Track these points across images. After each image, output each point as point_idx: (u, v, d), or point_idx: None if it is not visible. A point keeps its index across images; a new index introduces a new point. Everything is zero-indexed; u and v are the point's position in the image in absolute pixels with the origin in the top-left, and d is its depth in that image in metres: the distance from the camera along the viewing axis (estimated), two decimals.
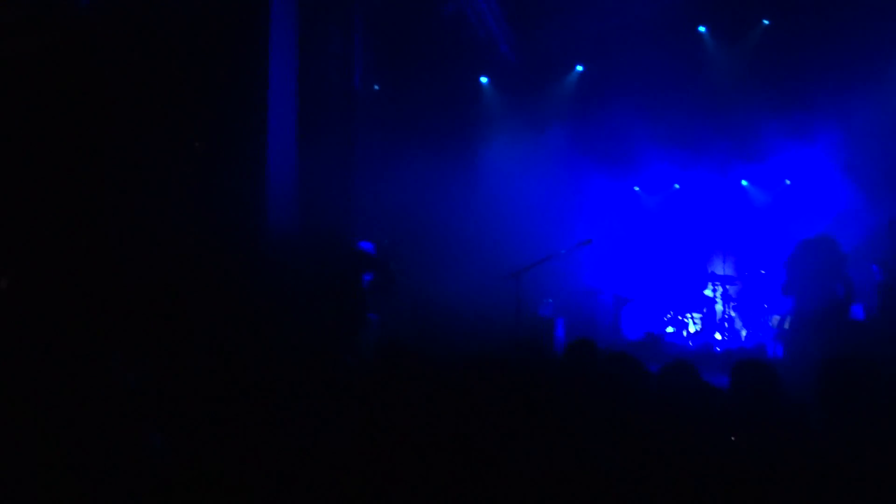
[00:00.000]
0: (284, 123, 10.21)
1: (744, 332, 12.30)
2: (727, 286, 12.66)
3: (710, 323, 12.47)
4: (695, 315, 12.57)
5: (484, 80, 13.83)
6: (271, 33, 9.90)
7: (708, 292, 12.66)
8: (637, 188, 14.26)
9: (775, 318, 11.71)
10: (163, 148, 8.97)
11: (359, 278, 9.05)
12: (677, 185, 14.09)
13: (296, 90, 10.53)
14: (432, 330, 11.49)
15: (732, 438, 3.50)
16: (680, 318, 12.64)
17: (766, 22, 12.99)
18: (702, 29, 13.37)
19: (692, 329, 12.53)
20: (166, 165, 8.97)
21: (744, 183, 13.74)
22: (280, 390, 4.10)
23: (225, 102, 9.50)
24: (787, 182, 13.30)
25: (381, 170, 12.33)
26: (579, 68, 13.78)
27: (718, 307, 12.55)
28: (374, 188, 12.21)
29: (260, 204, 9.52)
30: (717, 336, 12.36)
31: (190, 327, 7.40)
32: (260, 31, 9.79)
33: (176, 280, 8.18)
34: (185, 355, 5.09)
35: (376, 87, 12.92)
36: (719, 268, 13.18)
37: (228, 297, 8.74)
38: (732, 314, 12.47)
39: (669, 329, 12.64)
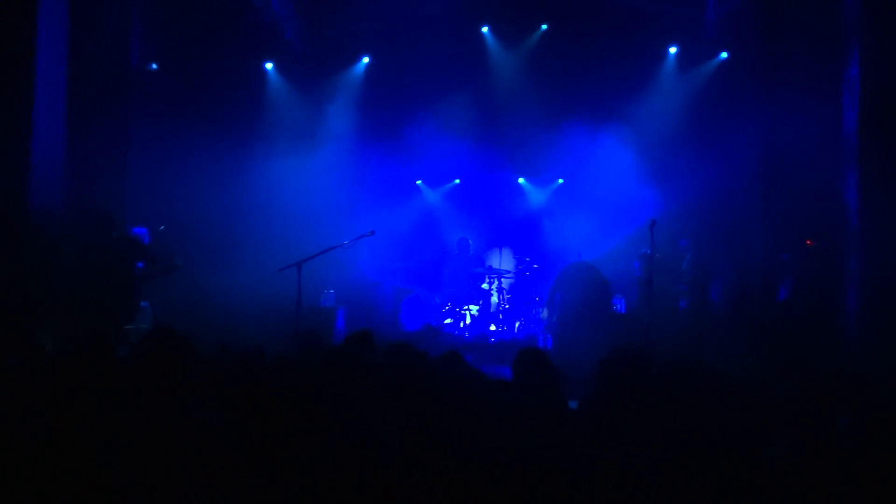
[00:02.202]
0: (52, 100, 9.59)
1: (517, 324, 12.82)
2: (502, 279, 13.14)
3: (485, 315, 12.89)
4: (472, 307, 12.95)
5: (269, 65, 13.55)
6: (40, 4, 9.26)
7: (484, 285, 13.09)
8: (419, 182, 14.49)
9: (545, 311, 12.30)
10: None
11: (128, 265, 8.60)
12: (458, 180, 14.44)
13: (66, 66, 9.90)
14: (210, 320, 11.16)
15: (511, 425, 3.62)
16: (458, 309, 12.98)
17: (544, 27, 13.60)
18: (484, 29, 13.78)
19: (469, 320, 12.90)
20: None
21: (521, 181, 14.31)
22: (46, 379, 3.81)
23: None
24: (560, 181, 13.98)
25: (160, 154, 11.80)
26: (366, 59, 13.81)
27: (494, 299, 13.01)
28: (152, 173, 11.67)
29: (22, 184, 8.90)
30: (493, 327, 12.80)
31: None
32: (27, 2, 9.13)
33: None
34: None
35: (154, 66, 12.34)
36: (496, 261, 13.64)
37: None
38: (507, 306, 12.96)
39: (447, 320, 12.96)
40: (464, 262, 13.24)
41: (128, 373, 4.41)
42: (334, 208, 12.94)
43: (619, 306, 12.21)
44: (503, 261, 13.70)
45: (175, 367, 3.71)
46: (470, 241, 13.47)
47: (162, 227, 9.95)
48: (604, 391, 4.16)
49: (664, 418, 3.24)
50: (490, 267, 13.33)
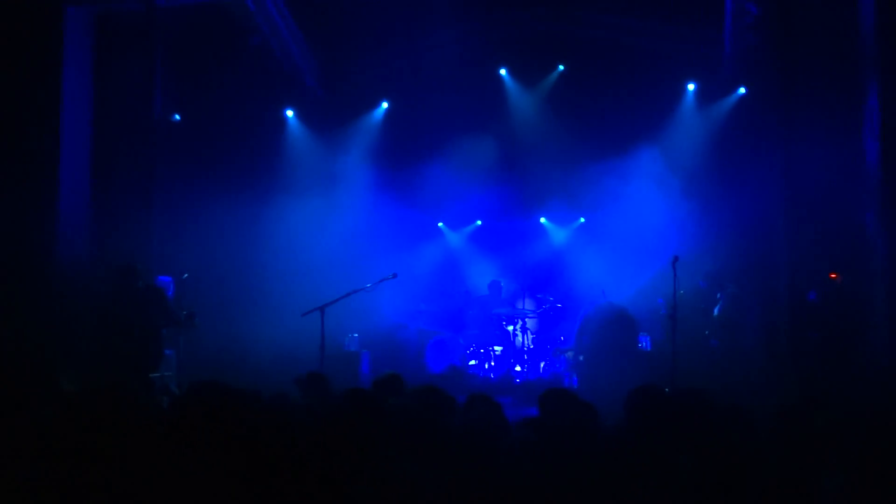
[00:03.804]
0: (78, 151, 9.78)
1: (542, 364, 12.74)
2: (526, 319, 13.09)
3: (510, 355, 12.83)
4: (496, 348, 12.90)
5: (290, 113, 13.71)
6: (65, 58, 9.48)
7: (508, 326, 13.03)
8: (441, 224, 14.53)
9: (570, 352, 12.23)
10: None
11: (152, 313, 8.66)
12: (479, 222, 14.47)
13: (91, 118, 10.09)
14: (235, 367, 11.17)
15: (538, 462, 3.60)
16: (482, 350, 12.93)
17: (561, 67, 13.69)
18: (503, 71, 13.89)
19: (493, 361, 12.84)
20: None
21: (542, 220, 14.31)
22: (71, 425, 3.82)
23: (15, 129, 8.99)
24: (582, 220, 13.97)
25: (184, 202, 11.93)
26: (385, 104, 13.93)
27: (518, 339, 12.94)
28: (176, 221, 11.79)
29: (49, 234, 9.05)
30: (518, 368, 12.73)
31: None
32: (53, 57, 9.35)
33: None
34: None
35: (177, 118, 12.52)
36: (519, 302, 13.61)
37: (14, 329, 8.23)
38: (531, 347, 12.90)
39: (472, 362, 12.90)
40: (496, 304, 13.22)
41: (169, 422, 4.43)
42: (356, 253, 12.96)
43: (644, 344, 12.12)
44: (527, 301, 13.66)
45: (220, 418, 3.73)
46: (502, 284, 13.46)
47: (186, 276, 10.02)
48: (627, 425, 4.13)
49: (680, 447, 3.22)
50: (514, 307, 13.30)
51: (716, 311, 11.31)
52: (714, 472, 3.31)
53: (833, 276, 10.44)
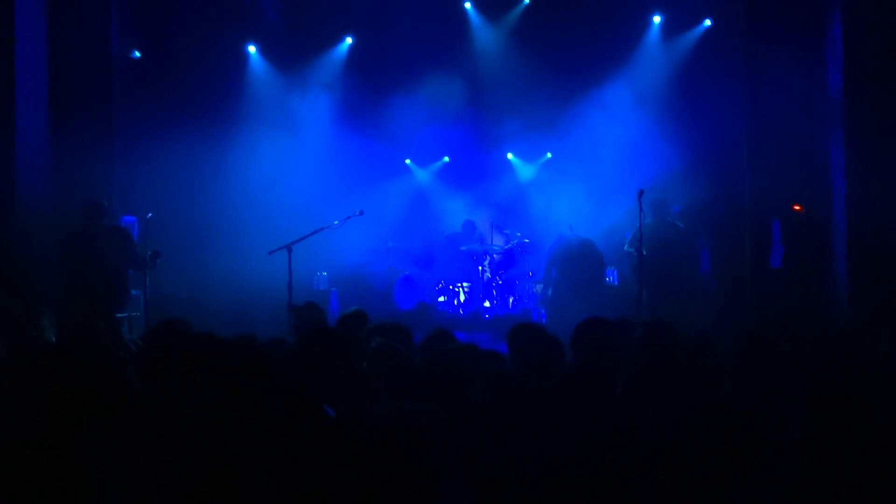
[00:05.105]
0: (34, 89, 9.56)
1: (511, 299, 12.84)
2: (495, 255, 13.15)
3: (479, 291, 12.91)
4: (465, 284, 12.96)
5: (252, 48, 13.47)
6: None
7: (477, 263, 13.08)
8: (408, 161, 14.46)
9: (539, 286, 12.33)
10: None
11: (119, 253, 8.62)
12: (447, 158, 14.41)
13: (47, 56, 9.86)
14: (202, 307, 11.17)
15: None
16: (451, 287, 12.99)
17: (526, 0, 13.53)
18: (467, 4, 13.71)
19: (462, 297, 12.92)
20: None
21: (509, 156, 14.28)
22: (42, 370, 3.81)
23: None
24: (549, 155, 13.96)
25: (145, 141, 11.74)
26: (349, 40, 13.72)
27: (487, 276, 13.02)
28: (138, 161, 11.62)
29: (7, 176, 8.90)
30: (487, 303, 12.83)
31: None
32: None
33: None
34: None
35: (136, 54, 12.26)
36: (488, 238, 13.64)
37: None
38: (500, 282, 12.98)
39: (441, 298, 12.98)
40: (467, 242, 13.24)
41: (134, 363, 4.43)
42: (323, 191, 12.87)
43: (612, 279, 12.24)
44: (495, 237, 13.69)
45: (181, 358, 3.73)
46: (476, 223, 13.44)
47: (150, 215, 9.92)
48: (584, 359, 4.20)
49: (645, 378, 3.28)
50: (482, 243, 13.33)
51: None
52: (675, 406, 3.37)
53: (797, 207, 10.56)
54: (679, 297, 10.23)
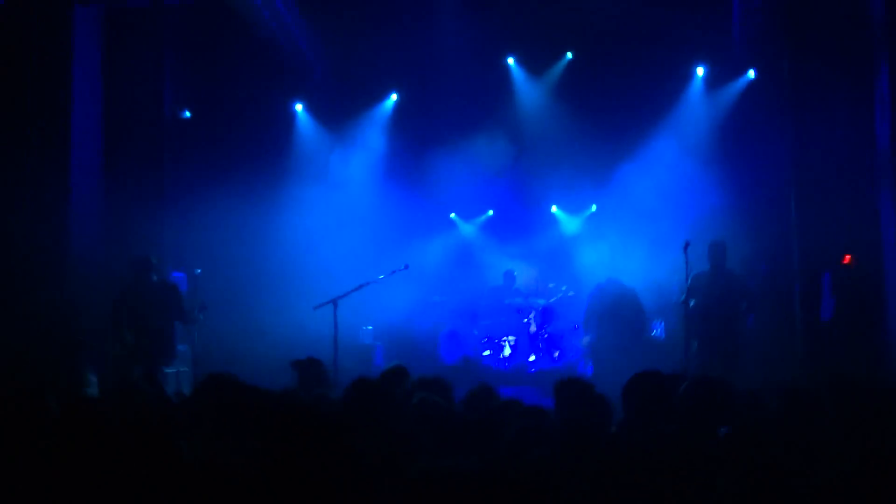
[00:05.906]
0: (89, 149, 9.85)
1: (556, 353, 12.74)
2: (539, 308, 13.09)
3: (525, 344, 12.84)
4: (510, 338, 12.90)
5: (299, 107, 13.73)
6: (74, 56, 9.53)
7: (522, 317, 13.03)
8: (453, 215, 14.52)
9: (585, 339, 12.21)
10: None
11: (167, 308, 8.75)
12: (491, 212, 14.46)
13: (101, 116, 10.16)
14: (248, 362, 11.23)
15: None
16: (496, 341, 12.94)
17: (569, 55, 13.64)
18: (510, 60, 13.85)
19: (507, 352, 12.86)
20: None
21: (554, 209, 14.28)
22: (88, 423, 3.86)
23: (26, 128, 9.07)
24: (594, 208, 13.93)
25: (195, 198, 11.97)
26: (394, 96, 13.92)
27: (532, 329, 12.95)
28: (188, 218, 11.84)
29: (63, 232, 9.13)
30: (532, 357, 12.74)
31: None
32: (62, 55, 9.40)
33: None
34: None
35: (187, 114, 12.57)
36: (533, 291, 13.58)
37: (29, 327, 8.31)
38: (545, 335, 12.90)
39: (486, 352, 12.92)
40: (509, 294, 13.23)
41: (176, 416, 4.47)
42: (369, 245, 12.95)
43: (658, 331, 12.09)
44: (539, 290, 13.64)
45: (229, 411, 3.76)
46: (516, 273, 13.44)
47: (199, 271, 10.08)
48: (632, 416, 4.14)
49: (690, 434, 3.22)
50: (527, 297, 13.29)
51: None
52: (720, 460, 3.31)
53: (847, 259, 10.38)
54: (731, 350, 10.01)
